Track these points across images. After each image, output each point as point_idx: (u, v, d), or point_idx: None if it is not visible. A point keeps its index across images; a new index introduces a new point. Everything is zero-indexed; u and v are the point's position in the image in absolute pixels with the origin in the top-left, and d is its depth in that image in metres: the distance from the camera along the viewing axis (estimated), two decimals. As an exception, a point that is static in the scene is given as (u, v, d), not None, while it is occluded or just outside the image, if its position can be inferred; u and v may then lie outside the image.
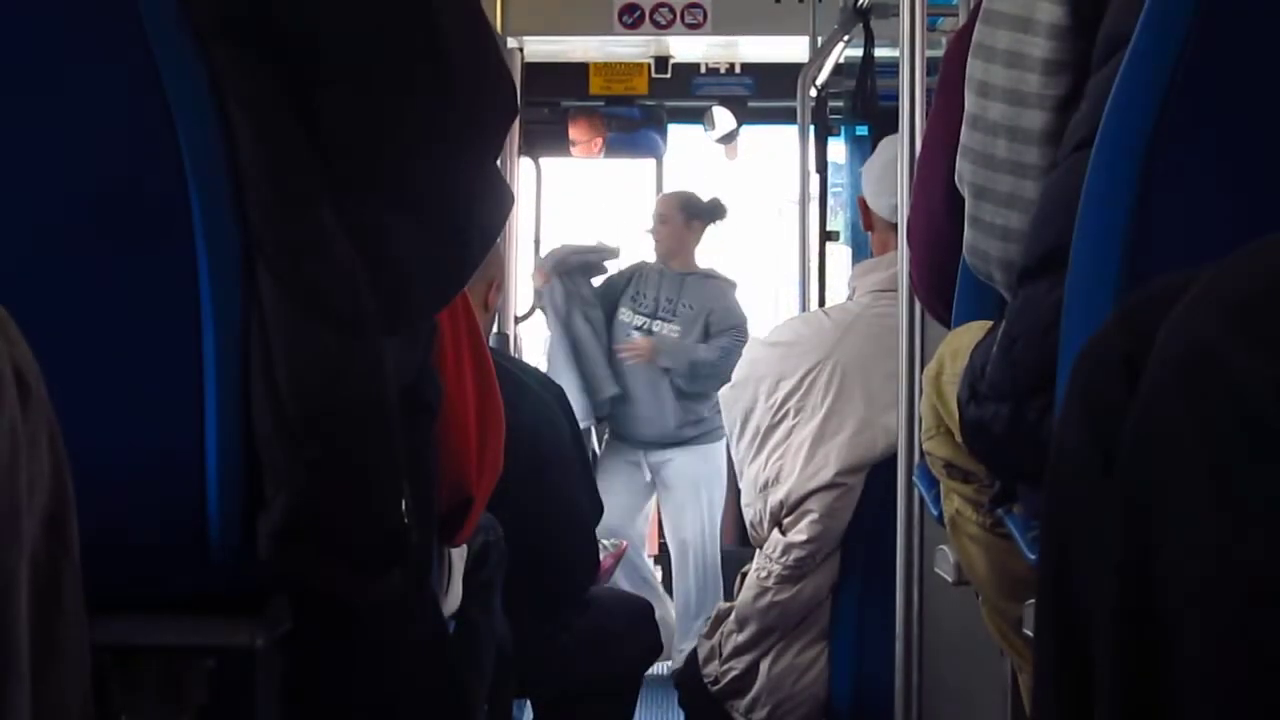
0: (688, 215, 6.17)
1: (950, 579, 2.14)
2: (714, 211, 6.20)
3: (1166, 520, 0.88)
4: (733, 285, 6.20)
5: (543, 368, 5.41)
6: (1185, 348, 0.88)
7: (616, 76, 7.01)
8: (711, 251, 6.35)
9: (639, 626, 3.93)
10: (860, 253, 5.72)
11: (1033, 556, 1.62)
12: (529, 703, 4.12)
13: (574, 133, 7.17)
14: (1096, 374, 1.00)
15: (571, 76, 6.99)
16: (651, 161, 7.61)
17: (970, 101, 1.64)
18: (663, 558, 6.48)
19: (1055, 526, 1.06)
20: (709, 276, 6.18)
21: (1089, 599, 0.97)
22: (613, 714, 3.90)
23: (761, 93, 6.99)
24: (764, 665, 3.27)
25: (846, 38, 5.00)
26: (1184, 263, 1.00)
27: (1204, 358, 0.87)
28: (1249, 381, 0.84)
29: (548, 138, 7.16)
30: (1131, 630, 0.90)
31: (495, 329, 4.43)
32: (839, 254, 6.35)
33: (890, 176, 2.98)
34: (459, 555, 2.70)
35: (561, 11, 6.44)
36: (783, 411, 3.24)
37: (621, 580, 5.37)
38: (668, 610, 6.00)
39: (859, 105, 5.20)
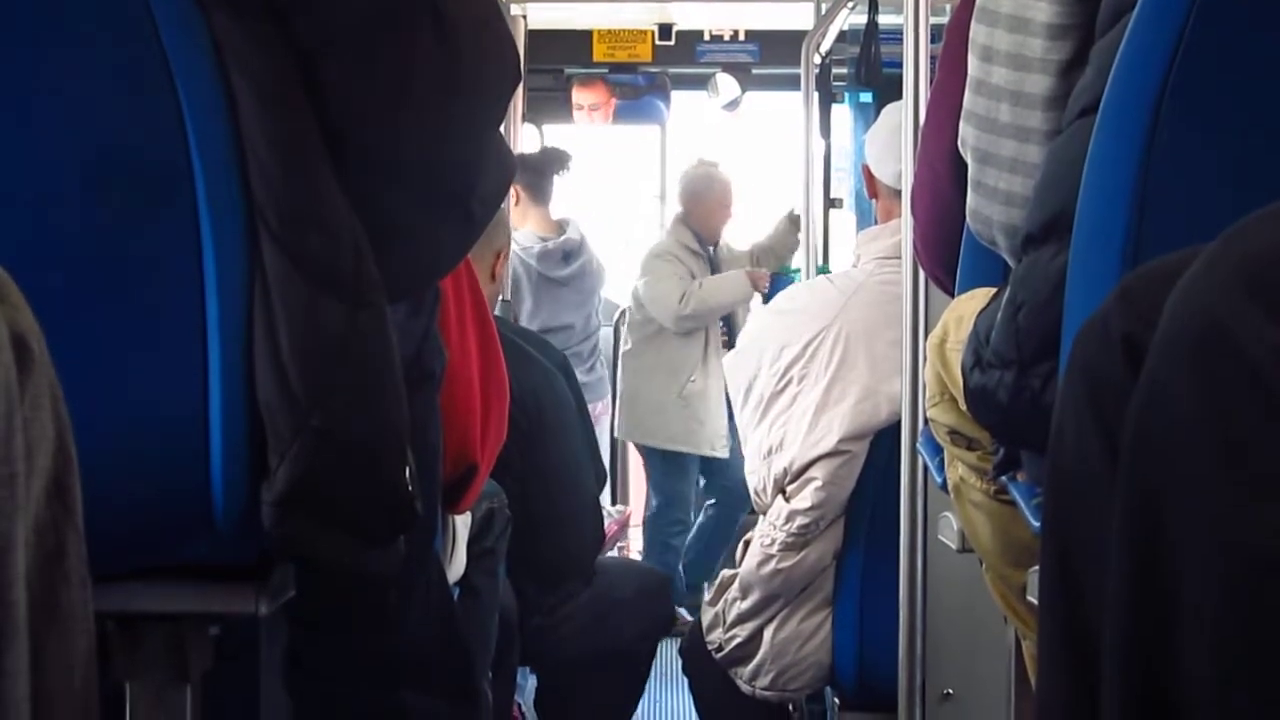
0: None
1: (954, 546, 2.14)
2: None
3: (1176, 495, 0.87)
4: None
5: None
6: (1192, 320, 0.87)
7: (620, 43, 7.00)
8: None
9: (648, 597, 3.89)
10: (865, 220, 5.71)
11: (1037, 523, 1.62)
12: (532, 672, 4.11)
13: (581, 97, 7.15)
14: (1096, 355, 0.99)
15: (575, 43, 6.98)
16: (656, 128, 7.60)
17: (974, 66, 1.63)
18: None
19: (1057, 512, 1.06)
20: None
21: (1093, 579, 0.97)
22: (618, 686, 3.88)
23: (766, 59, 6.98)
24: (768, 632, 3.27)
25: (851, 4, 4.97)
26: (1189, 229, 1.00)
27: (1212, 330, 0.86)
28: (1259, 353, 0.84)
29: (551, 105, 7.16)
30: (1140, 606, 0.89)
31: (500, 297, 4.41)
32: (843, 221, 6.35)
33: (894, 144, 2.97)
34: (463, 522, 2.70)
35: (565, -23, 6.43)
36: (786, 378, 3.24)
37: None
38: None
39: (863, 72, 5.18)
